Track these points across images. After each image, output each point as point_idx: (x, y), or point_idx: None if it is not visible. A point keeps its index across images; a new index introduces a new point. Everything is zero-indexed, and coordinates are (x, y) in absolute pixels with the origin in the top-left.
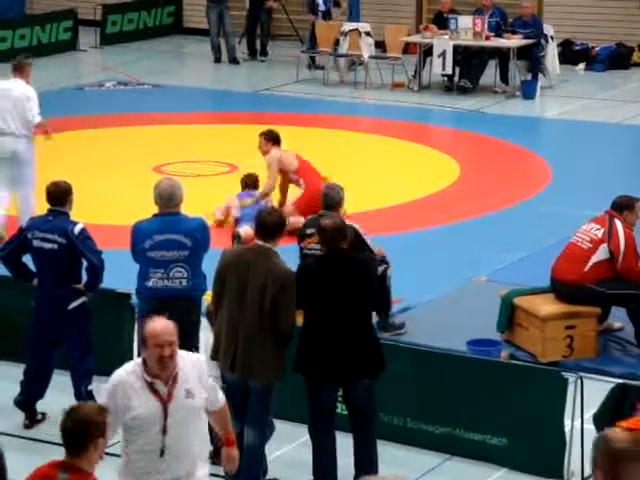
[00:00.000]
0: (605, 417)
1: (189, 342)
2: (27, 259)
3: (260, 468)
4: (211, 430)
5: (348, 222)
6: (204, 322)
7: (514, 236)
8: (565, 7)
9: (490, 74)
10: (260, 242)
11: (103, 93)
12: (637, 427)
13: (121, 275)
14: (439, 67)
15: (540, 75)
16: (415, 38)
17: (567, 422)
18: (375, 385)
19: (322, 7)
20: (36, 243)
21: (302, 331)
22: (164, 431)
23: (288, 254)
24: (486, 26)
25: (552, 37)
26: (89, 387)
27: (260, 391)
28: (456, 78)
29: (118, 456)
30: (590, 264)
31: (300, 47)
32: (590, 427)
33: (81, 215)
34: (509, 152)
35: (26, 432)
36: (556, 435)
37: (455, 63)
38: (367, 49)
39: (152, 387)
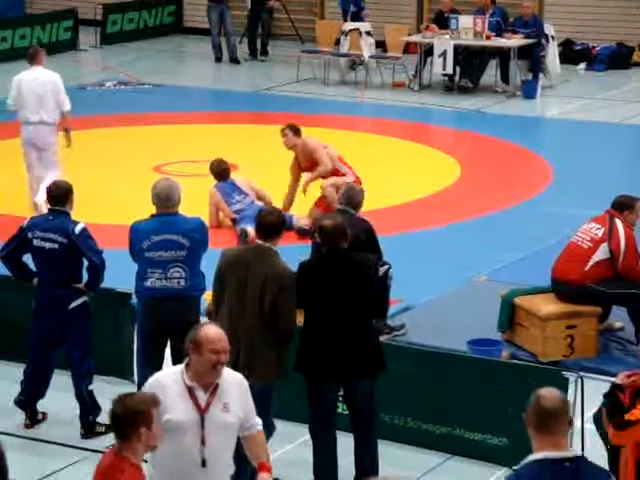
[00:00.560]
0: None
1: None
2: (27, 258)
3: None
4: None
5: (364, 218)
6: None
7: (514, 236)
8: (566, 7)
9: (491, 74)
10: (260, 242)
11: (103, 93)
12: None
13: (121, 275)
14: (440, 67)
15: (541, 75)
16: (416, 38)
17: None
18: (376, 385)
19: (353, 8)
20: (37, 242)
21: (302, 331)
22: (203, 441)
23: (288, 254)
24: (487, 25)
25: (553, 37)
26: (90, 387)
27: (260, 391)
28: (457, 78)
29: None
30: (590, 263)
31: (301, 47)
32: (591, 427)
33: (81, 215)
34: (510, 152)
35: (26, 432)
36: None
37: (456, 63)
38: (368, 49)
39: (191, 393)
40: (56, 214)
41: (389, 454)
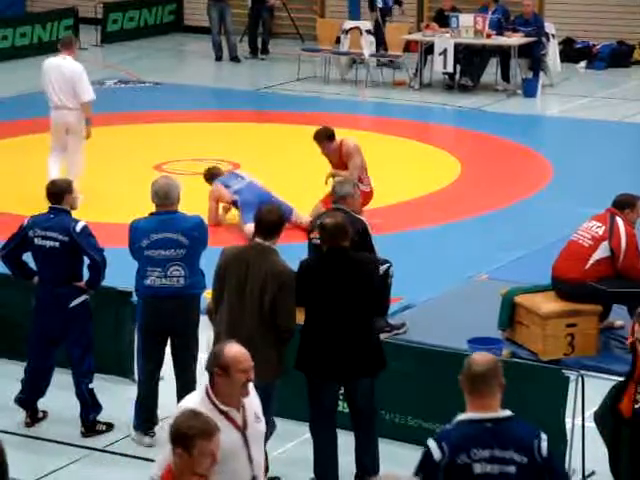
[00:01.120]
0: (606, 415)
1: (189, 341)
2: (27, 257)
3: None
4: None
5: (359, 217)
6: (205, 320)
7: (515, 234)
8: (566, 5)
9: (491, 72)
10: (260, 240)
11: (104, 91)
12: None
13: (122, 273)
14: (440, 65)
15: (541, 73)
16: (416, 36)
17: (568, 420)
18: (376, 383)
19: (380, 4)
20: (37, 241)
21: (303, 329)
22: (250, 459)
23: (288, 252)
24: (488, 22)
25: (553, 35)
26: (90, 385)
27: (261, 389)
28: (457, 76)
29: (116, 454)
30: (591, 262)
31: (301, 45)
32: (591, 425)
33: (82, 213)
34: (510, 150)
35: (27, 430)
36: (557, 433)
37: (456, 61)
38: (368, 47)
39: (228, 416)
40: (57, 212)
41: (389, 452)
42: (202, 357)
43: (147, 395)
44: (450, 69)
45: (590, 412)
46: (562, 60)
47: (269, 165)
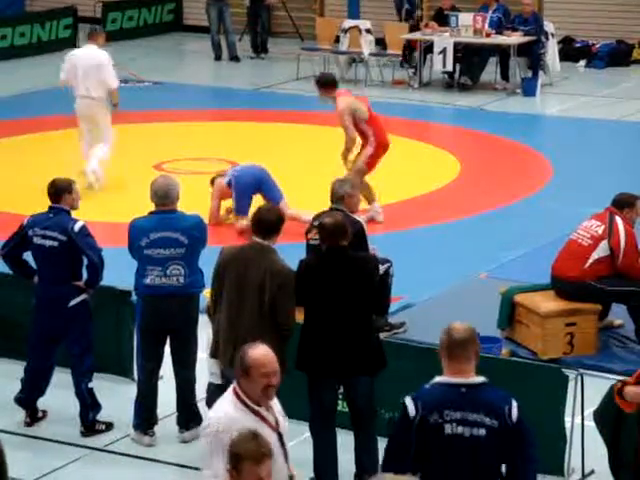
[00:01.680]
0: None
1: (188, 340)
2: (27, 256)
3: None
4: None
5: (356, 217)
6: (204, 319)
7: (514, 233)
8: (565, 4)
9: (491, 71)
10: (259, 239)
11: None
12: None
13: (122, 273)
14: (440, 64)
15: (540, 72)
16: (415, 35)
17: (568, 419)
18: (376, 382)
19: (407, 5)
20: (37, 240)
21: (303, 328)
22: (287, 459)
23: (288, 251)
24: (488, 21)
25: (552, 34)
26: (90, 385)
27: None
28: (457, 75)
29: (116, 454)
30: (590, 261)
31: (300, 44)
32: (591, 424)
33: (81, 212)
34: (509, 149)
35: (27, 430)
36: (557, 432)
37: (455, 60)
38: (367, 46)
39: (260, 415)
40: (56, 212)
41: None
42: (201, 356)
43: (147, 394)
44: (449, 68)
45: (589, 411)
46: (561, 59)
47: (268, 164)
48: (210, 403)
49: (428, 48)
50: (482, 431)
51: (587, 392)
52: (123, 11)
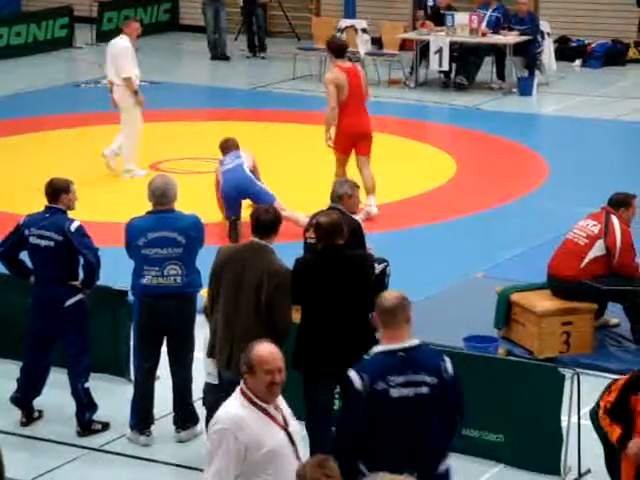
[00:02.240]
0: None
1: (185, 340)
2: (23, 256)
3: None
4: None
5: (354, 217)
6: (201, 319)
7: (511, 232)
8: (561, 4)
9: (487, 71)
10: (256, 239)
11: (99, 90)
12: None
13: (118, 272)
14: (436, 64)
15: (536, 72)
16: (411, 35)
17: (564, 418)
18: None
19: (430, 2)
20: (33, 240)
21: (299, 328)
22: (298, 457)
23: (286, 251)
24: (486, 20)
25: (548, 34)
26: (86, 385)
27: None
28: (453, 75)
29: (112, 454)
30: (586, 260)
31: (297, 44)
32: (587, 423)
33: (78, 212)
34: (506, 149)
35: (23, 429)
36: (553, 431)
37: (451, 60)
38: (363, 46)
39: (267, 413)
40: (52, 212)
41: None
42: (198, 356)
43: (143, 394)
44: (445, 67)
45: (586, 410)
46: (557, 58)
47: (265, 164)
48: (206, 403)
49: (424, 47)
50: (425, 389)
51: (583, 391)
52: (119, 10)
